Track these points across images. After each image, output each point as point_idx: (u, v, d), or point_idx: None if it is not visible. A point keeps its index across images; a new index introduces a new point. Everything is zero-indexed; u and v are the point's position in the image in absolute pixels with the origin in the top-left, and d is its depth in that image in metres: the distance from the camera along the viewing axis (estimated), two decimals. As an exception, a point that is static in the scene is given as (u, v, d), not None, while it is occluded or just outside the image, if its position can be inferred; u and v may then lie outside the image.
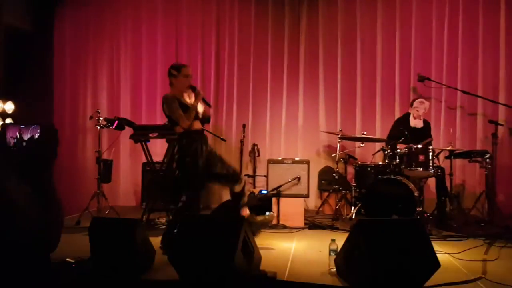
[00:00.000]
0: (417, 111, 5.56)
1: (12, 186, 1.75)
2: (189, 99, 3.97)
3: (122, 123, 5.40)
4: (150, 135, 5.05)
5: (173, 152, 5.30)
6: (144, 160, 6.07)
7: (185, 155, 3.90)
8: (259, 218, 4.23)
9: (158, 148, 6.39)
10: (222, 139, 5.74)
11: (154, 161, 5.47)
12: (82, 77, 7.20)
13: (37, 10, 7.04)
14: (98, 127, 5.47)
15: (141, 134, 5.17)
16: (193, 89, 3.99)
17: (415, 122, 5.59)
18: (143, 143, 5.22)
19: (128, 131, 5.54)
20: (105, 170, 5.59)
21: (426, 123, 5.74)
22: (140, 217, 4.98)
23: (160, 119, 6.68)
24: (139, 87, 7.09)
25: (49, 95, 7.11)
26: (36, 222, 1.75)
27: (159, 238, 3.92)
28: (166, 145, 5.64)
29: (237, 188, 4.06)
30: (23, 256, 1.85)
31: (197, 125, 3.99)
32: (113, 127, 5.34)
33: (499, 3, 6.13)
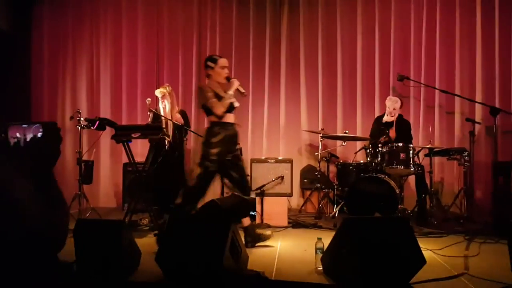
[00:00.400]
0: (388, 108, 5.71)
1: (15, 184, 1.71)
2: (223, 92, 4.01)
3: (104, 123, 5.32)
4: (133, 135, 4.96)
5: (156, 152, 5.28)
6: (124, 160, 6.00)
7: (213, 141, 3.91)
8: (261, 231, 4.17)
9: (139, 148, 6.32)
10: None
11: (135, 161, 5.40)
12: (61, 76, 7.09)
13: (14, 9, 6.90)
14: (79, 128, 5.38)
15: (123, 134, 5.08)
16: (228, 79, 4.05)
17: (387, 118, 5.73)
18: (125, 143, 5.15)
19: (108, 131, 5.47)
20: (86, 171, 5.51)
21: (405, 122, 5.84)
22: (122, 219, 4.92)
23: (141, 119, 6.63)
24: (119, 87, 7.00)
25: (26, 95, 6.98)
26: (40, 220, 1.72)
27: (143, 240, 3.88)
28: (147, 145, 5.60)
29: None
30: (28, 254, 1.81)
31: (231, 118, 4.02)
32: (94, 127, 5.26)
33: (475, 4, 6.26)
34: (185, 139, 5.73)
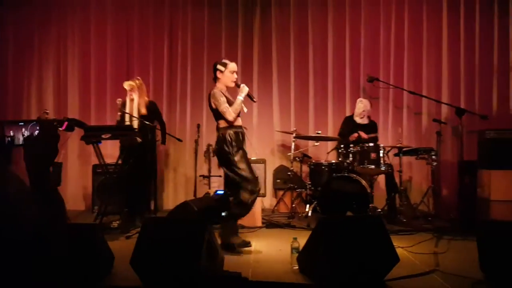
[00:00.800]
0: (358, 110, 5.83)
1: (10, 184, 1.64)
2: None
3: (72, 124, 5.19)
4: (103, 136, 4.88)
5: (127, 153, 5.19)
6: (94, 162, 5.88)
7: (227, 146, 3.97)
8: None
9: (109, 149, 6.21)
10: (178, 139, 5.69)
11: (106, 163, 5.30)
12: (27, 77, 6.88)
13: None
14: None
15: (93, 135, 4.98)
16: (238, 85, 4.10)
17: (359, 120, 5.84)
18: (95, 144, 5.05)
19: (76, 132, 5.35)
20: (55, 173, 5.36)
21: (372, 123, 5.96)
22: (92, 221, 4.83)
23: (111, 120, 6.50)
24: (88, 88, 6.86)
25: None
26: (36, 219, 1.65)
27: (115, 243, 3.82)
28: (117, 146, 5.50)
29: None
30: (24, 252, 1.74)
31: (239, 121, 4.09)
32: (63, 128, 5.12)
33: (441, 8, 6.45)
34: (157, 140, 5.66)
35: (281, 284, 3.04)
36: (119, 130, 4.99)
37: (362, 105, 5.83)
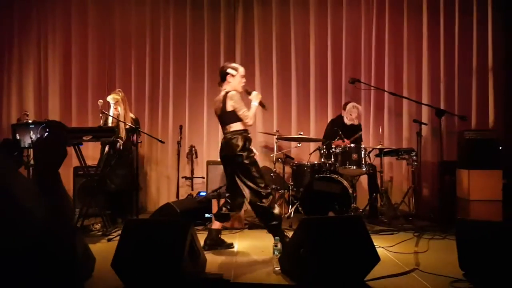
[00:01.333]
0: (350, 114, 5.81)
1: (18, 186, 1.59)
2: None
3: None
4: (84, 137, 4.83)
5: (109, 155, 5.15)
6: (74, 164, 5.81)
7: (241, 150, 3.89)
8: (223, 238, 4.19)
9: (90, 151, 6.15)
10: (161, 141, 5.66)
11: (87, 165, 5.25)
12: (7, 79, 6.78)
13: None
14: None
15: (74, 137, 4.92)
16: (248, 92, 4.07)
17: (349, 122, 5.84)
18: (76, 146, 4.99)
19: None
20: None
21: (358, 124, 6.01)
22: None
23: (93, 122, 6.44)
24: (69, 90, 6.79)
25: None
26: (45, 224, 1.60)
27: (97, 245, 3.78)
28: (98, 148, 5.46)
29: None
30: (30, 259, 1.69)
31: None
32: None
33: (421, 10, 6.54)
34: (139, 142, 5.62)
35: (263, 286, 3.05)
36: (101, 132, 4.94)
37: (356, 110, 5.84)
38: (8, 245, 1.88)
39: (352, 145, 5.33)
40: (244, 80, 4.06)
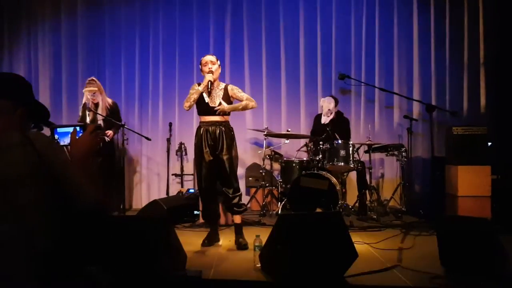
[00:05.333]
0: (324, 109, 5.83)
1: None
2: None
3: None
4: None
5: (95, 153, 5.12)
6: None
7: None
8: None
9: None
10: (147, 138, 5.65)
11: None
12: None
13: None
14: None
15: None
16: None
17: (324, 119, 5.84)
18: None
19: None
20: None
21: (344, 119, 5.97)
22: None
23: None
24: (58, 87, 6.78)
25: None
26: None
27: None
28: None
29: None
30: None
31: None
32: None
33: (412, 4, 6.50)
34: (125, 139, 5.61)
35: (241, 282, 3.03)
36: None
37: (325, 104, 5.83)
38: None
39: (340, 141, 5.29)
40: (204, 68, 4.14)
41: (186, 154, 6.40)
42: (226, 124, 4.11)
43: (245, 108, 4.20)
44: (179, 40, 6.74)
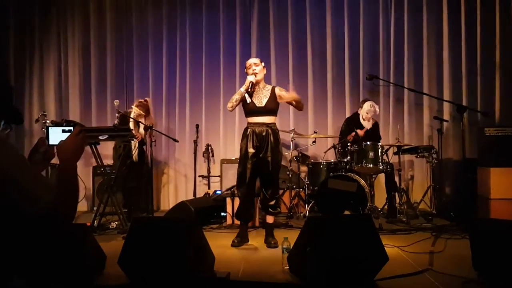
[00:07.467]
0: (367, 113, 5.68)
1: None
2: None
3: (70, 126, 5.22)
4: (100, 137, 4.90)
5: (125, 154, 5.22)
6: (94, 163, 5.91)
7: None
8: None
9: (110, 150, 6.24)
10: (175, 140, 5.70)
11: (104, 164, 5.33)
12: (28, 78, 6.94)
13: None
14: (44, 130, 5.27)
15: (90, 137, 4.99)
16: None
17: (365, 124, 5.72)
18: (93, 145, 5.07)
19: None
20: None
21: (375, 124, 5.90)
22: (91, 222, 4.85)
23: (112, 122, 6.52)
24: (88, 90, 6.91)
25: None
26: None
27: (111, 243, 3.83)
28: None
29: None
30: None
31: None
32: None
33: (442, 4, 6.37)
34: (153, 140, 5.67)
35: (270, 284, 3.02)
36: (116, 132, 5.00)
37: (373, 109, 5.70)
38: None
39: (369, 143, 5.22)
40: (249, 71, 4.20)
41: (213, 155, 6.43)
42: (273, 125, 4.13)
43: (299, 103, 4.21)
44: (206, 42, 6.79)
